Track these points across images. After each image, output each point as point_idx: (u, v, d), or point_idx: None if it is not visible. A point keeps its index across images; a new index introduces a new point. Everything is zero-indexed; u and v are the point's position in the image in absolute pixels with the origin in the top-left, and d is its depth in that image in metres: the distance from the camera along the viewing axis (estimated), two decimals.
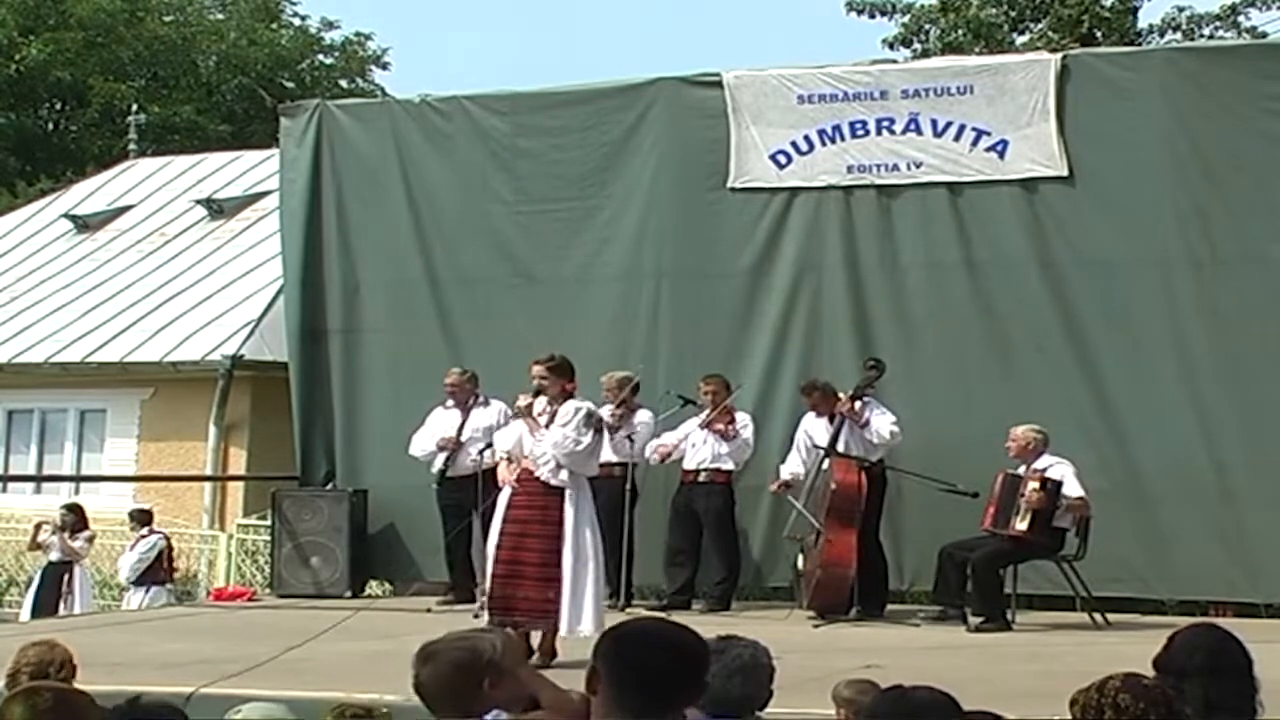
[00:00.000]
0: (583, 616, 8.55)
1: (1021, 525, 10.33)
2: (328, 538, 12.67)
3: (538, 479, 8.68)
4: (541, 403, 8.80)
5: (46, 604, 13.73)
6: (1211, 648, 4.53)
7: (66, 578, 13.85)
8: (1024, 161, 11.58)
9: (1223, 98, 11.23)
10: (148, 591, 14.04)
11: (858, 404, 10.97)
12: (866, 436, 10.95)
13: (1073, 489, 10.42)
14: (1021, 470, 10.53)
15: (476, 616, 9.01)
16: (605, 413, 11.55)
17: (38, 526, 14.23)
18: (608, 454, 11.50)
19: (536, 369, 8.86)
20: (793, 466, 11.28)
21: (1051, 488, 10.32)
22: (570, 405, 8.72)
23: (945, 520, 10.89)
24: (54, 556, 13.98)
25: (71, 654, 5.78)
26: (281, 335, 14.05)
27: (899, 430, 10.95)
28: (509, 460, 8.93)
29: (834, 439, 10.92)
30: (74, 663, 5.77)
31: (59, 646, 5.82)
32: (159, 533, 14.39)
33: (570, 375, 8.88)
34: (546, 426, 8.73)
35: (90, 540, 14.25)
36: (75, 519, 14.04)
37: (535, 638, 8.70)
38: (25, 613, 14.06)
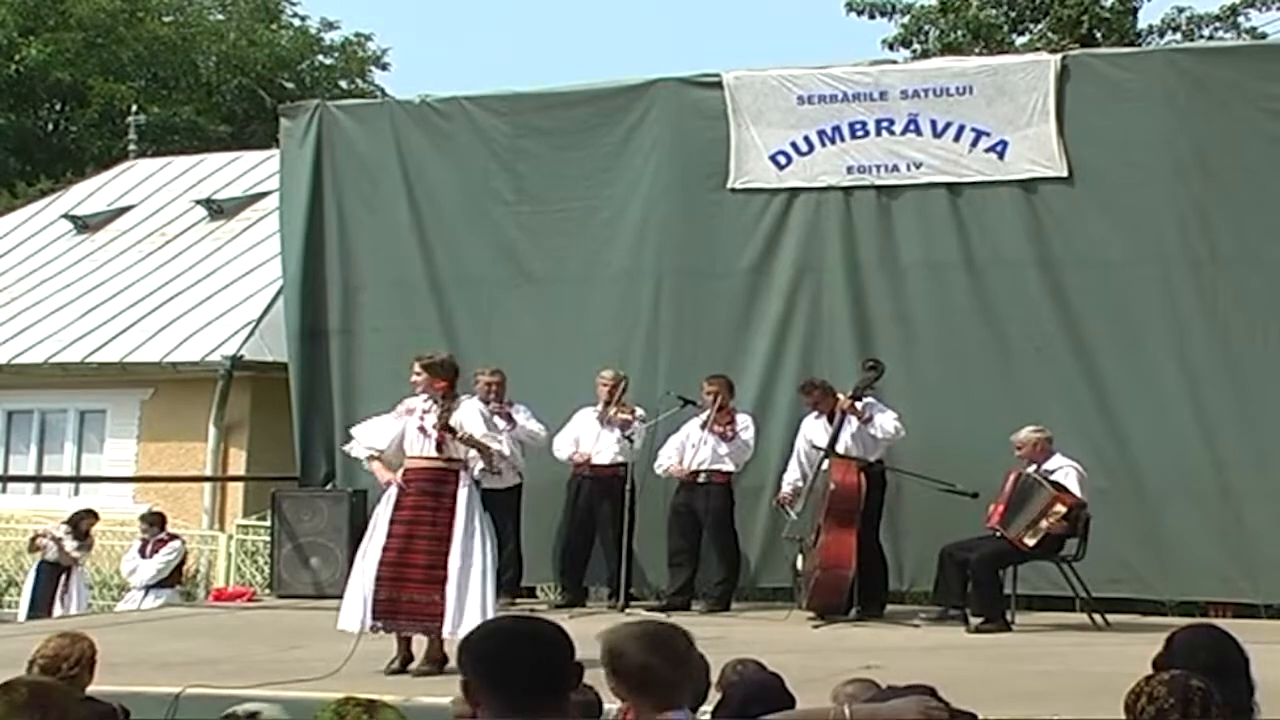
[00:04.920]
0: (465, 619, 8.06)
1: (1030, 541, 10.27)
2: (327, 538, 12.65)
3: (425, 478, 8.49)
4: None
5: (41, 600, 13.67)
6: (1211, 647, 4.55)
7: (64, 578, 13.80)
8: (1024, 162, 11.58)
9: (1223, 98, 11.23)
10: (145, 594, 13.98)
11: (859, 404, 10.96)
12: (870, 432, 10.91)
13: (1074, 492, 10.41)
14: (1031, 469, 10.50)
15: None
16: (598, 409, 11.61)
17: (34, 538, 14.18)
18: (609, 454, 11.57)
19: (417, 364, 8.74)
20: (793, 476, 11.27)
21: (1074, 517, 10.27)
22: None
23: (945, 520, 10.88)
24: (49, 556, 13.92)
25: (95, 649, 5.69)
26: (281, 335, 14.04)
27: (902, 425, 10.93)
28: (380, 459, 8.69)
29: (833, 439, 10.91)
30: (94, 659, 5.68)
31: (82, 640, 5.69)
32: (177, 537, 14.33)
33: (449, 375, 8.72)
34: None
35: (88, 549, 14.18)
36: (75, 529, 13.92)
37: (418, 644, 8.45)
38: (22, 611, 14.01)
